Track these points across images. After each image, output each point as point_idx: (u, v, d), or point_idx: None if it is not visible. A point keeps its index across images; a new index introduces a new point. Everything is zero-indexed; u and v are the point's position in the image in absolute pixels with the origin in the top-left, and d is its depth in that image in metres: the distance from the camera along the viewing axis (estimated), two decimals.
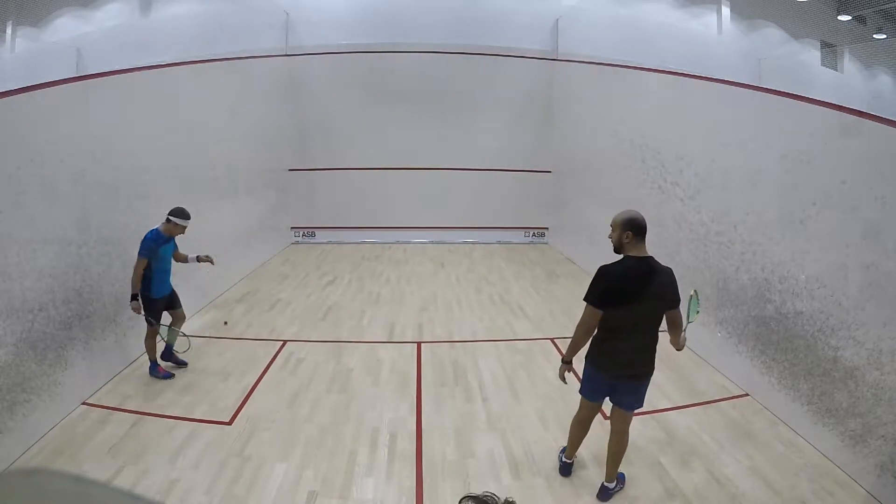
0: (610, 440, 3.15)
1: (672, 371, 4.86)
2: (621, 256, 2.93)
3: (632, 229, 2.87)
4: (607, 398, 3.17)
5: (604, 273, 2.87)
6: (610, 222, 2.98)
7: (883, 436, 3.14)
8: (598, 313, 2.84)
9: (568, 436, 3.37)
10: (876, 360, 3.22)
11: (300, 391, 4.43)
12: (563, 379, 3.11)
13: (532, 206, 10.68)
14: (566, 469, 3.37)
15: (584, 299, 2.88)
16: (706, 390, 4.50)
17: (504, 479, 3.30)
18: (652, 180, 6.20)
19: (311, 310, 6.54)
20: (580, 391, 3.21)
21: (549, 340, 5.61)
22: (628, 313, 2.83)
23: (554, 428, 3.89)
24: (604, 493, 3.13)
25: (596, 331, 2.93)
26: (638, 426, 3.92)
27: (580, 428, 3.29)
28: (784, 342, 4.06)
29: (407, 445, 3.66)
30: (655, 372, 4.80)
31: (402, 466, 3.42)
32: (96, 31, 10.47)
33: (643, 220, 2.88)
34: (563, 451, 3.44)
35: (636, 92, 6.91)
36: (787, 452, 3.59)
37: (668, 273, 2.90)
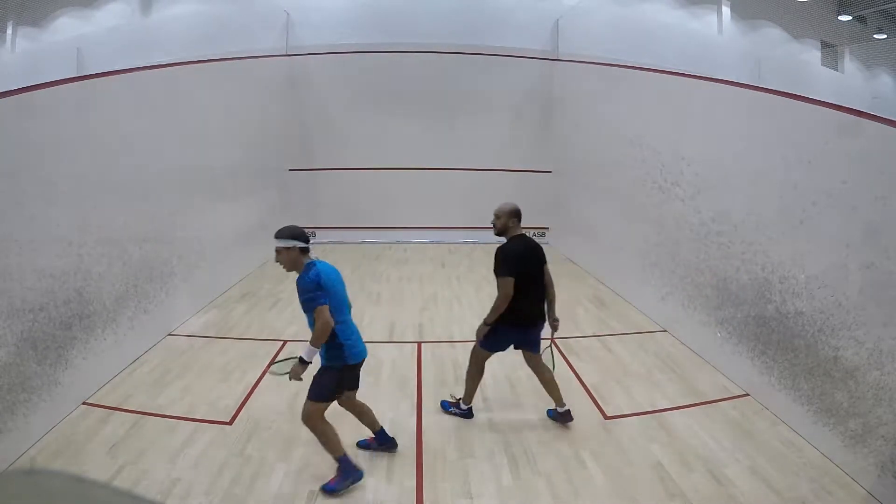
0: (539, 379, 3.95)
1: (672, 371, 4.87)
2: (506, 238, 3.76)
3: (517, 216, 3.75)
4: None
5: (509, 251, 3.67)
6: (495, 211, 3.77)
7: (883, 436, 3.14)
8: (512, 280, 3.59)
9: (467, 387, 3.96)
10: (876, 360, 3.22)
11: (301, 391, 4.39)
12: (479, 337, 3.83)
13: (532, 206, 10.49)
14: (471, 413, 3.99)
15: (501, 275, 3.61)
16: (706, 390, 4.50)
17: (504, 479, 3.30)
18: (652, 180, 6.19)
19: None
20: (484, 347, 3.85)
21: (549, 340, 5.59)
22: (528, 275, 3.70)
23: (554, 427, 3.89)
24: (567, 416, 3.92)
25: (511, 302, 3.65)
26: (638, 426, 3.93)
27: (480, 375, 3.97)
28: (784, 342, 4.05)
29: (407, 445, 3.65)
30: (656, 372, 4.87)
31: (402, 466, 3.42)
32: (97, 31, 10.47)
33: (519, 209, 3.78)
34: (458, 404, 4.00)
35: (636, 92, 6.91)
36: (787, 452, 3.59)
37: (539, 244, 3.90)
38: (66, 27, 10.96)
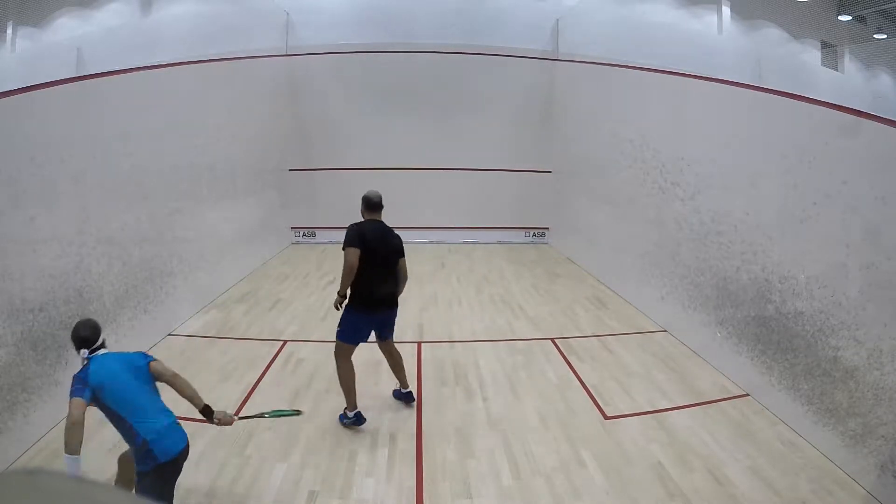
0: (389, 362, 4.11)
1: (672, 371, 4.87)
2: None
3: (363, 204, 3.89)
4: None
5: (354, 226, 3.78)
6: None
7: (883, 436, 3.14)
8: (357, 251, 3.64)
9: (344, 391, 3.80)
10: (876, 360, 3.22)
11: (300, 391, 4.43)
12: (337, 307, 3.83)
13: (532, 206, 10.67)
14: (361, 417, 3.83)
15: (344, 246, 3.69)
16: (706, 390, 4.50)
17: (504, 479, 3.30)
18: (652, 180, 6.19)
19: (311, 310, 6.54)
20: (344, 340, 3.80)
21: (549, 340, 5.61)
22: (377, 255, 3.73)
23: (554, 428, 3.89)
24: (409, 397, 4.15)
25: (358, 281, 3.69)
26: (638, 426, 3.93)
27: (351, 373, 3.82)
28: (784, 342, 4.06)
29: (407, 445, 3.66)
30: (655, 372, 4.91)
31: (402, 466, 3.42)
32: (96, 31, 10.46)
33: (372, 196, 3.89)
34: (346, 414, 3.83)
35: (636, 92, 6.91)
36: (787, 452, 3.60)
37: (397, 234, 3.91)
38: (66, 27, 10.95)
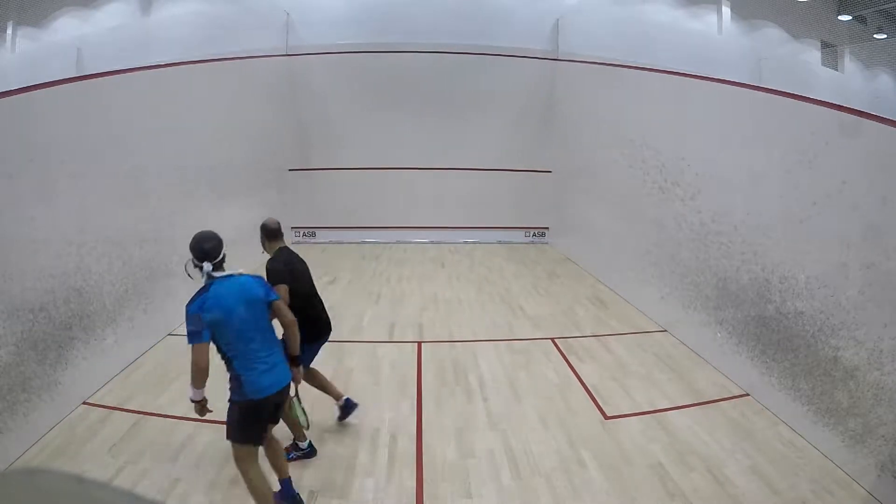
0: (313, 384, 3.80)
1: (672, 371, 4.87)
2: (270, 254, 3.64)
3: (264, 234, 3.67)
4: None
5: (275, 263, 3.48)
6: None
7: (883, 436, 3.14)
8: (286, 288, 3.30)
9: (294, 428, 3.44)
10: (876, 360, 3.22)
11: (300, 391, 4.41)
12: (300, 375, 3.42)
13: (532, 206, 10.68)
14: (312, 448, 3.50)
15: (278, 283, 3.25)
16: (706, 390, 4.50)
17: (504, 479, 3.30)
18: (652, 180, 6.19)
19: None
20: (308, 368, 3.56)
21: (549, 340, 5.61)
22: (305, 282, 3.62)
23: (554, 428, 3.89)
24: (348, 403, 3.87)
25: (305, 312, 3.36)
26: (638, 426, 3.93)
27: (321, 376, 3.72)
28: (784, 342, 4.05)
29: (407, 445, 3.66)
30: (656, 372, 4.88)
31: (402, 466, 3.42)
32: (96, 31, 10.47)
33: (272, 224, 3.68)
34: (296, 444, 3.42)
35: (636, 92, 6.91)
36: (787, 452, 3.59)
37: (301, 258, 3.76)
38: (66, 27, 10.96)
